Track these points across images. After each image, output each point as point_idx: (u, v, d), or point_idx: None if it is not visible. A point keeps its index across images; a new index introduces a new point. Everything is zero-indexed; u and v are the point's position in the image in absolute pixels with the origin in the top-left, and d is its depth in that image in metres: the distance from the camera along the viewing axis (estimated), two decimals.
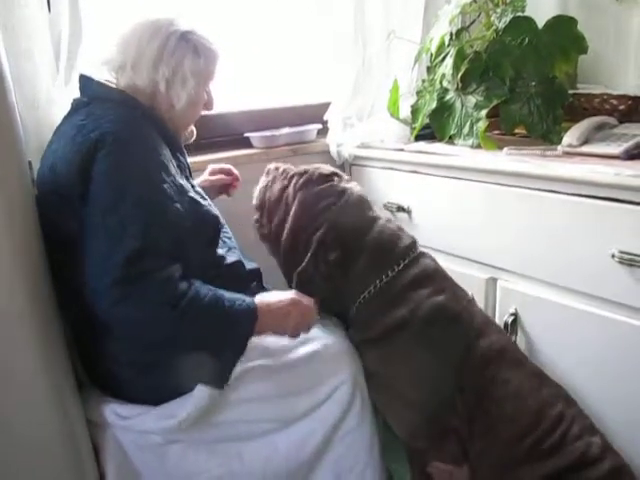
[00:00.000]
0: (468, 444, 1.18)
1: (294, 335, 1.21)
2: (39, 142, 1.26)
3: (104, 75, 1.23)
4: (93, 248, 1.06)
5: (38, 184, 1.15)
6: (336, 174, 1.34)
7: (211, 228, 1.26)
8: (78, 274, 1.10)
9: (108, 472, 1.17)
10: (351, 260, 1.24)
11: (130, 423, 1.17)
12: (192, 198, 1.21)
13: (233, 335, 1.14)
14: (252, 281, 1.36)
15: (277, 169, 1.38)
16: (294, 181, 1.31)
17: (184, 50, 1.21)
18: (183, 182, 1.20)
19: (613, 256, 1.16)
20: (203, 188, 1.34)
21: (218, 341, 1.13)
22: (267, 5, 1.88)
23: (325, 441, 1.26)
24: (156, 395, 1.18)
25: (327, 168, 1.35)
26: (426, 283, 1.24)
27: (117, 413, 1.17)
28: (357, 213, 1.28)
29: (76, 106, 1.20)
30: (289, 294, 1.22)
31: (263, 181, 1.39)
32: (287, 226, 1.28)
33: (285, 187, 1.32)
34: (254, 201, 1.40)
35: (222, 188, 1.55)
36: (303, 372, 1.24)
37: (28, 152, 1.18)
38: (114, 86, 1.24)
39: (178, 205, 1.15)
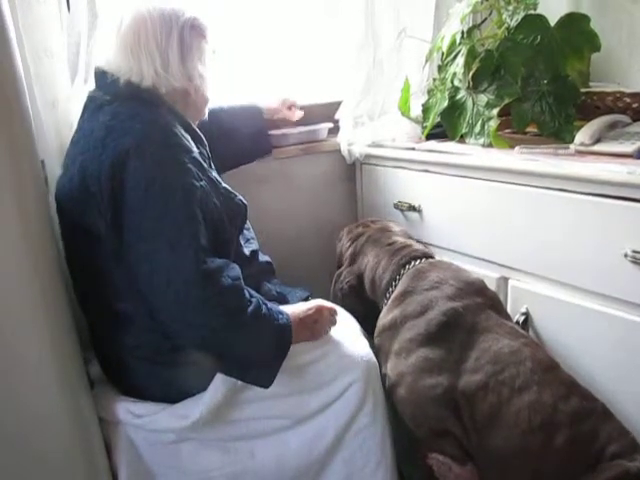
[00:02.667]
0: (480, 450, 1.15)
1: (319, 339, 1.27)
2: (59, 140, 1.28)
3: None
4: (146, 253, 1.08)
5: (64, 182, 1.15)
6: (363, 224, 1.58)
7: (241, 218, 1.30)
8: (105, 272, 1.13)
9: (120, 469, 1.19)
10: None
11: (143, 422, 1.18)
12: (225, 189, 1.25)
13: (278, 347, 1.17)
14: (266, 273, 1.40)
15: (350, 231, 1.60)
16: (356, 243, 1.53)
17: (198, 38, 1.24)
18: (214, 175, 1.23)
19: (626, 255, 1.15)
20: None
21: (264, 351, 1.16)
22: (278, 4, 1.88)
23: (337, 439, 1.26)
24: (172, 392, 1.19)
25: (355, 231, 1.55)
26: (436, 286, 1.29)
27: (130, 411, 1.19)
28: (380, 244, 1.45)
29: (100, 104, 1.18)
30: (313, 302, 1.30)
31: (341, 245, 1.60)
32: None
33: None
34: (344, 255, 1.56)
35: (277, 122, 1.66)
36: (315, 370, 1.25)
37: (47, 151, 1.20)
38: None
39: (215, 200, 1.19)
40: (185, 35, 1.21)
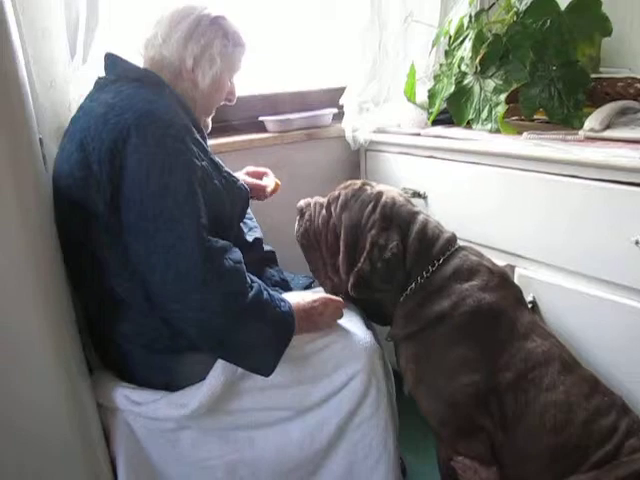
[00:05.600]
0: (504, 449, 1.14)
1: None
2: (57, 121, 1.25)
3: (128, 54, 1.23)
4: (145, 231, 1.05)
5: (62, 160, 1.13)
6: (366, 183, 1.35)
7: (242, 202, 1.28)
8: (100, 253, 1.11)
9: (119, 456, 1.17)
10: (404, 254, 1.24)
11: (142, 410, 1.16)
12: (228, 172, 1.24)
13: (280, 334, 1.14)
14: (269, 262, 1.37)
15: (309, 205, 1.38)
16: (333, 208, 1.32)
17: (215, 32, 1.23)
18: (216, 158, 1.22)
19: (637, 243, 1.12)
20: None
21: (265, 338, 1.13)
22: None
23: (339, 430, 1.24)
24: (171, 380, 1.17)
25: (355, 182, 1.36)
26: (469, 277, 1.21)
27: (129, 398, 1.17)
28: (399, 207, 1.28)
29: (103, 84, 1.19)
30: (320, 294, 1.26)
31: (301, 223, 1.38)
32: (341, 251, 1.29)
33: (327, 218, 1.33)
34: (297, 237, 1.39)
35: (255, 192, 1.52)
36: (318, 360, 1.23)
37: (44, 131, 1.17)
38: (140, 65, 1.23)
39: (217, 182, 1.17)
40: (202, 23, 1.21)
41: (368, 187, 1.34)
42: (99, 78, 1.21)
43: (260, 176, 1.55)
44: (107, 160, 1.05)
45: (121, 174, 1.05)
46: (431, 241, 1.25)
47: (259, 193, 1.51)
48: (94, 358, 1.25)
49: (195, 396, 1.15)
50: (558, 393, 1.10)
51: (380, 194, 1.30)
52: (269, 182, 1.52)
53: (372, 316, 1.37)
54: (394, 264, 1.22)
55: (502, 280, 1.24)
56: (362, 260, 1.23)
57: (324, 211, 1.34)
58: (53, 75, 1.26)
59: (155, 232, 1.05)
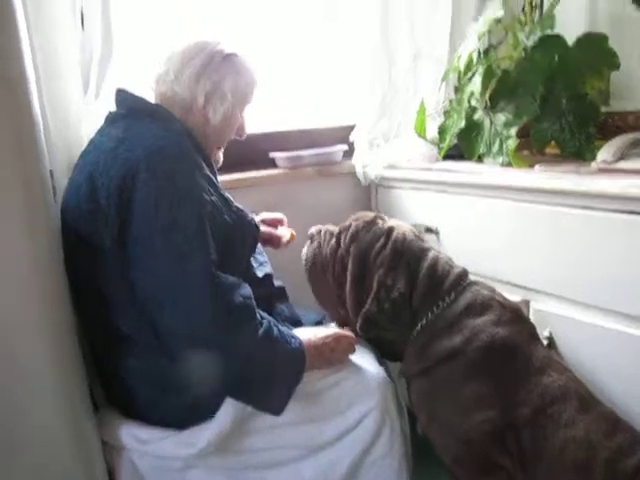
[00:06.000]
0: None
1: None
2: (69, 159, 1.26)
3: (141, 90, 1.24)
4: (153, 267, 1.04)
5: (70, 193, 1.14)
6: (378, 216, 1.35)
7: (252, 238, 1.27)
8: (107, 288, 1.09)
9: None
10: (412, 291, 1.23)
11: (148, 448, 1.13)
12: (238, 208, 1.23)
13: (290, 372, 1.12)
14: (279, 298, 1.35)
15: (319, 232, 1.38)
16: (343, 238, 1.31)
17: (227, 69, 1.23)
18: (226, 194, 1.21)
19: None
20: None
21: (275, 376, 1.11)
22: (295, 27, 1.88)
23: (352, 469, 1.20)
24: (178, 418, 1.14)
25: (367, 214, 1.36)
26: (482, 312, 1.18)
27: (135, 436, 1.13)
28: (410, 245, 1.27)
29: (113, 119, 1.20)
30: (332, 330, 1.24)
31: (310, 249, 1.38)
32: (348, 283, 1.28)
33: (336, 248, 1.32)
34: (304, 263, 1.38)
35: (270, 241, 1.51)
36: (331, 398, 1.20)
37: (55, 166, 1.18)
38: (151, 100, 1.25)
39: (227, 217, 1.16)
40: (214, 59, 1.21)
41: (380, 221, 1.33)
42: (110, 113, 1.22)
43: (275, 224, 1.55)
44: (116, 194, 1.04)
45: (129, 208, 1.04)
46: (441, 277, 1.23)
47: (274, 242, 1.51)
48: (100, 395, 1.23)
49: (203, 435, 1.11)
50: (578, 430, 1.06)
51: (392, 229, 1.29)
52: (285, 232, 1.51)
53: (383, 352, 1.34)
54: (400, 304, 1.21)
55: (515, 315, 1.21)
56: (369, 301, 1.22)
57: (334, 240, 1.33)
58: (65, 110, 1.28)
59: (163, 268, 1.04)
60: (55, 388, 1.02)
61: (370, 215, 1.35)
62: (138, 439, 1.13)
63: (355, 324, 1.25)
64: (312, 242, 1.38)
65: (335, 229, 1.36)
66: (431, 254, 1.26)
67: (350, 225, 1.32)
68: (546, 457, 1.07)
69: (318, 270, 1.35)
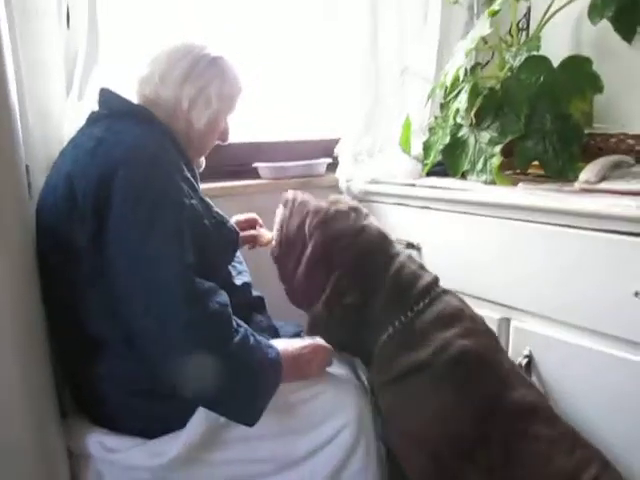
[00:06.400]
0: None
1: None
2: (47, 156, 1.23)
3: (124, 91, 1.22)
4: (127, 269, 1.01)
5: (47, 192, 1.11)
6: (355, 209, 1.28)
7: (232, 245, 1.25)
8: (81, 290, 1.06)
9: None
10: (368, 302, 1.18)
11: (116, 457, 1.09)
12: (218, 213, 1.21)
13: (266, 382, 1.09)
14: (257, 308, 1.32)
15: (295, 201, 1.31)
16: (309, 219, 1.25)
17: (212, 73, 1.22)
18: (206, 199, 1.20)
19: (636, 294, 1.10)
20: None
21: (250, 386, 1.07)
22: (284, 40, 1.89)
23: None
24: (149, 426, 1.10)
25: (345, 203, 1.29)
26: (451, 323, 1.15)
27: (103, 444, 1.10)
28: (375, 252, 1.21)
29: (95, 119, 1.17)
30: (309, 341, 1.22)
31: (281, 213, 1.33)
32: (302, 265, 1.22)
33: (302, 223, 1.26)
34: (273, 232, 1.34)
35: (246, 240, 1.49)
36: (306, 411, 1.17)
37: (33, 163, 1.15)
38: (134, 101, 1.22)
39: (206, 222, 1.14)
40: (200, 64, 1.20)
41: (354, 214, 1.25)
42: (92, 112, 1.20)
43: (252, 224, 1.52)
44: (93, 194, 1.02)
45: (106, 208, 1.02)
46: (408, 287, 1.18)
47: (253, 241, 1.48)
48: (69, 402, 1.18)
49: (174, 444, 1.08)
50: (543, 446, 1.06)
51: (362, 229, 1.22)
52: (264, 233, 1.48)
53: (354, 353, 1.29)
54: (352, 311, 1.17)
55: (484, 327, 1.20)
56: (320, 303, 1.17)
57: (302, 216, 1.27)
58: (48, 109, 1.25)
59: (138, 270, 1.01)
60: (20, 393, 0.97)
61: (347, 205, 1.28)
62: (105, 447, 1.09)
63: (296, 303, 1.24)
64: (285, 206, 1.32)
65: (309, 202, 1.29)
66: (397, 262, 1.20)
67: (321, 209, 1.25)
68: (514, 473, 1.05)
69: (284, 239, 1.29)
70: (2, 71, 0.94)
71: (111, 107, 1.18)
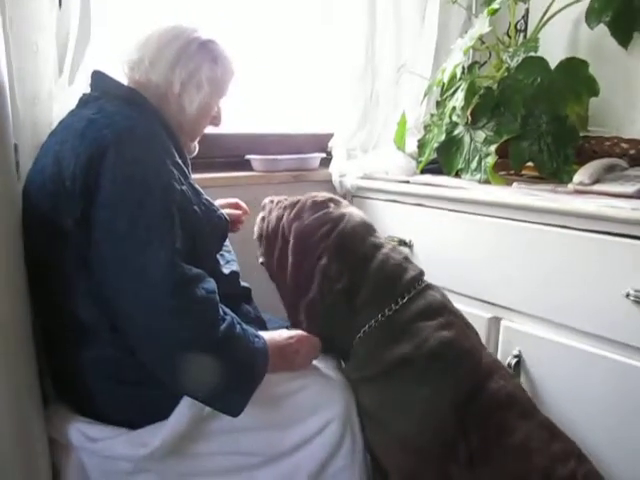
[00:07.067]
0: None
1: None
2: (35, 138, 1.20)
3: (116, 74, 1.20)
4: (114, 253, 0.99)
5: (35, 172, 1.09)
6: (332, 199, 1.27)
7: (222, 232, 1.23)
8: (67, 274, 1.04)
9: None
10: (356, 289, 1.17)
11: (98, 447, 1.07)
12: (208, 200, 1.19)
13: (251, 372, 1.07)
14: (245, 298, 1.31)
15: (272, 201, 1.33)
16: (287, 213, 1.25)
17: (203, 57, 1.20)
18: (196, 185, 1.18)
19: (628, 295, 1.10)
20: None
21: (235, 375, 1.05)
22: (282, 34, 1.87)
23: None
24: (132, 416, 1.08)
25: (322, 195, 1.28)
26: (432, 317, 1.14)
27: (85, 433, 1.07)
28: (358, 239, 1.19)
29: (86, 100, 1.15)
30: (296, 332, 1.19)
31: (260, 215, 1.34)
32: (289, 260, 1.21)
33: (280, 218, 1.27)
34: (254, 235, 1.34)
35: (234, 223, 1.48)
36: (292, 404, 1.15)
37: (22, 144, 1.12)
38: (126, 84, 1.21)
39: (196, 208, 1.12)
40: (190, 47, 1.18)
41: (332, 205, 1.24)
42: (83, 95, 1.18)
43: (233, 207, 1.50)
44: (81, 175, 0.99)
45: (95, 190, 0.99)
46: (391, 280, 1.17)
47: (234, 224, 1.47)
48: (51, 390, 1.16)
49: (157, 435, 1.06)
50: (518, 437, 1.05)
51: (341, 218, 1.20)
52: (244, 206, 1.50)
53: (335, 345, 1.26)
54: (342, 298, 1.15)
55: (463, 321, 1.19)
56: (313, 289, 1.15)
57: (280, 211, 1.28)
58: (37, 90, 1.22)
59: (125, 254, 0.99)
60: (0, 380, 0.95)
61: (324, 196, 1.26)
62: (87, 437, 1.06)
63: (294, 309, 1.20)
64: (263, 209, 1.34)
65: (286, 200, 1.30)
66: (381, 253, 1.18)
67: (298, 201, 1.25)
68: (491, 464, 1.05)
69: (266, 237, 1.29)
70: None
71: (103, 89, 1.16)
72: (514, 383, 1.14)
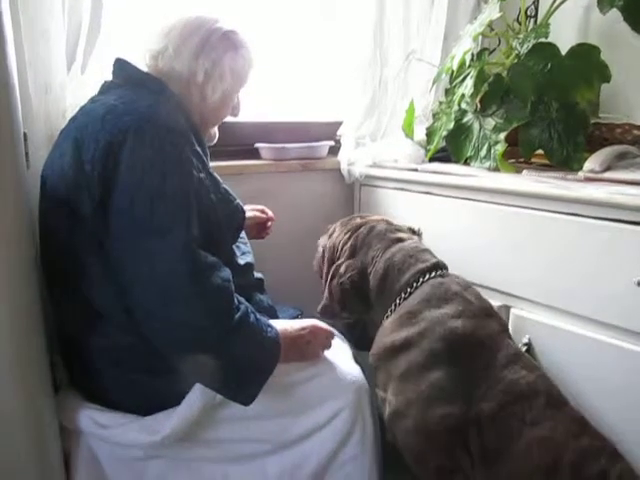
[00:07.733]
0: None
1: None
2: (48, 127, 1.21)
3: (138, 62, 1.20)
4: (131, 239, 1.00)
5: (54, 158, 1.09)
6: (360, 216, 1.42)
7: (237, 223, 1.24)
8: (83, 259, 1.05)
9: None
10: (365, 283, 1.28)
11: (109, 434, 1.08)
12: (225, 190, 1.20)
13: (263, 361, 1.08)
14: (257, 288, 1.32)
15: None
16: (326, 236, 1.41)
17: (226, 47, 1.20)
18: (215, 174, 1.18)
19: (639, 283, 1.09)
20: None
21: (248, 364, 1.06)
22: (291, 23, 1.86)
23: (319, 470, 1.17)
24: (143, 402, 1.09)
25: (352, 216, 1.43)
26: (440, 305, 1.15)
27: (95, 420, 1.09)
28: (370, 239, 1.30)
29: (108, 87, 1.16)
30: (308, 322, 1.21)
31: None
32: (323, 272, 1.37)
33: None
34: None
35: (255, 228, 1.51)
36: (303, 393, 1.17)
37: (33, 133, 1.13)
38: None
39: (213, 196, 1.12)
40: (213, 37, 1.18)
41: (359, 219, 1.37)
42: (105, 82, 1.18)
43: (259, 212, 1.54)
44: (101, 161, 1.00)
45: (114, 176, 1.00)
46: (401, 270, 1.23)
47: (261, 230, 1.52)
48: (62, 376, 1.17)
49: (168, 422, 1.07)
50: (544, 429, 1.03)
51: (362, 224, 1.33)
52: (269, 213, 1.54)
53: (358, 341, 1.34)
54: (348, 292, 1.26)
55: (482, 311, 1.18)
56: (325, 293, 1.29)
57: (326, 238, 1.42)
58: (49, 79, 1.22)
59: (142, 239, 0.99)
60: (11, 366, 0.96)
61: (354, 216, 1.42)
62: (98, 423, 1.08)
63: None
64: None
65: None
66: (396, 246, 1.26)
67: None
68: (510, 457, 1.03)
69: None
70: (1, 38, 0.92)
71: (126, 77, 1.16)
72: (538, 374, 1.11)
